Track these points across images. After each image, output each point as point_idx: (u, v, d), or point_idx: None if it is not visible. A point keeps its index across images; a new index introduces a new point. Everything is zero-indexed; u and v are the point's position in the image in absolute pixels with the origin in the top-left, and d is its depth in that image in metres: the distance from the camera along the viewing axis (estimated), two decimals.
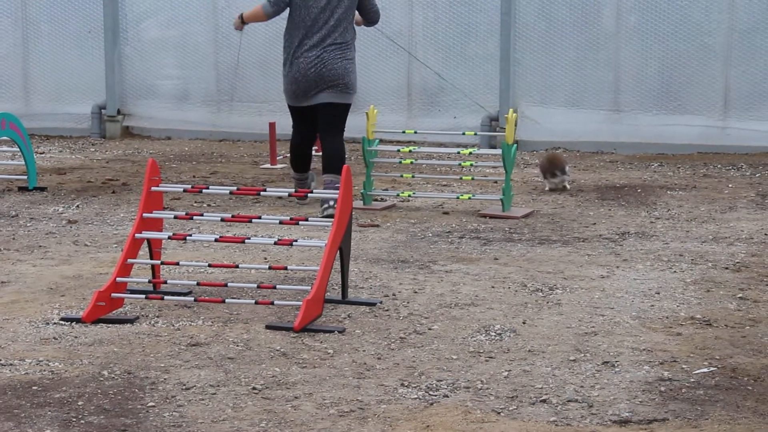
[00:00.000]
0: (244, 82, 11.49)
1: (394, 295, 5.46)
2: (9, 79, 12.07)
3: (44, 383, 4.23)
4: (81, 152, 10.68)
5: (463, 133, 8.17)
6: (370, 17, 7.73)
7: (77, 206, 7.81)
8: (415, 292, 5.51)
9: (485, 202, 7.71)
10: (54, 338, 4.78)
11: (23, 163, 8.48)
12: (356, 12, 7.63)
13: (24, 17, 12.01)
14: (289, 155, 7.88)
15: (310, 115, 7.59)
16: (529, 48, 10.69)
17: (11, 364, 4.42)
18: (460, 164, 7.91)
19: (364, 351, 4.65)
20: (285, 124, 10.65)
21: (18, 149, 8.47)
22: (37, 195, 8.23)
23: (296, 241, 5.25)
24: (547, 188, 8.39)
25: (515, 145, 7.53)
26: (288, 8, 7.65)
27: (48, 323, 4.99)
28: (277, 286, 5.17)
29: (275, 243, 5.25)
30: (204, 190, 5.38)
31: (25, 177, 8.45)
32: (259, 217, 5.33)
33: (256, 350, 4.64)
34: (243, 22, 7.91)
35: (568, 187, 8.39)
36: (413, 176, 8.18)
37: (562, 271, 5.94)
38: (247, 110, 11.39)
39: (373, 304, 5.26)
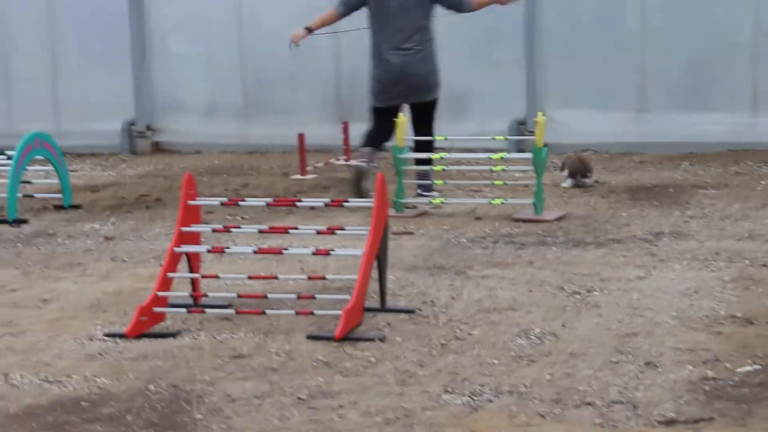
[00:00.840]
0: (273, 94, 11.56)
1: (432, 301, 5.49)
2: (40, 100, 12.18)
3: (92, 399, 4.28)
4: (112, 169, 10.76)
5: (493, 138, 8.19)
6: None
7: (113, 223, 7.88)
8: (453, 298, 5.54)
9: (518, 207, 7.73)
10: (99, 354, 4.83)
11: (58, 181, 8.56)
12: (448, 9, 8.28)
13: (52, 38, 12.12)
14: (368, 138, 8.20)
15: (393, 114, 8.02)
16: (554, 51, 10.70)
17: (59, 381, 4.47)
18: (491, 169, 7.94)
19: (405, 358, 4.68)
20: (313, 135, 10.74)
21: (52, 168, 8.55)
22: (72, 213, 8.30)
23: (333, 250, 5.29)
24: (568, 185, 8.53)
25: (546, 148, 7.54)
26: (360, 8, 8.16)
27: (92, 339, 5.05)
28: (317, 296, 5.22)
29: (313, 253, 5.29)
30: (241, 203, 5.42)
31: (60, 195, 8.53)
32: (296, 228, 5.37)
33: (298, 360, 4.68)
34: (310, 32, 8.24)
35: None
36: (444, 183, 8.21)
37: (599, 273, 5.95)
38: (276, 122, 11.45)
39: (412, 312, 5.30)
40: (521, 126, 10.60)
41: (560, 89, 10.70)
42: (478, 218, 7.58)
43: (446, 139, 8.28)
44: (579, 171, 8.51)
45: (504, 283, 5.82)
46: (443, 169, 8.15)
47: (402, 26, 8.06)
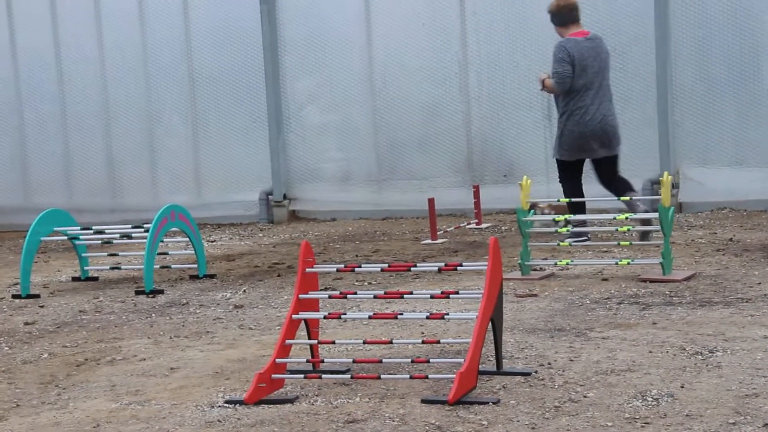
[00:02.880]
0: (404, 160, 11.69)
1: (549, 363, 5.45)
2: (182, 173, 12.59)
3: None
4: (249, 238, 11.01)
5: (618, 198, 8.12)
6: None
7: (244, 291, 8.06)
8: (571, 360, 5.48)
9: (646, 267, 7.62)
10: (218, 421, 4.93)
11: (193, 252, 8.82)
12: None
13: (193, 112, 12.54)
14: (571, 204, 8.68)
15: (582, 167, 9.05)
16: (688, 109, 10.58)
17: None
18: (617, 229, 7.86)
19: (518, 421, 4.65)
20: (444, 199, 10.80)
21: (188, 239, 8.82)
22: (207, 282, 8.53)
23: (448, 314, 5.31)
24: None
25: (672, 207, 7.43)
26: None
27: (213, 406, 5.16)
28: (431, 360, 5.23)
29: (427, 317, 5.32)
30: (356, 269, 5.50)
31: (196, 265, 8.77)
32: (411, 293, 5.41)
33: (411, 425, 4.69)
34: (543, 87, 9.04)
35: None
36: (570, 244, 8.16)
37: (723, 333, 5.82)
38: (408, 187, 11.57)
39: (528, 374, 5.26)
40: (655, 185, 10.46)
41: (695, 148, 10.56)
42: (604, 279, 7.50)
43: (570, 201, 8.23)
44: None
45: (624, 344, 5.73)
46: (568, 230, 8.10)
47: (600, 84, 8.97)
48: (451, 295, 5.35)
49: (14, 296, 8.39)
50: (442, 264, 5.38)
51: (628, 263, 7.59)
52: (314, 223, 11.73)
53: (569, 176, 8.95)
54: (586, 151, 8.87)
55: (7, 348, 6.62)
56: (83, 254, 8.95)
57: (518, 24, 11.20)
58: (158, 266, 8.55)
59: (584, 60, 8.79)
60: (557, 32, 8.98)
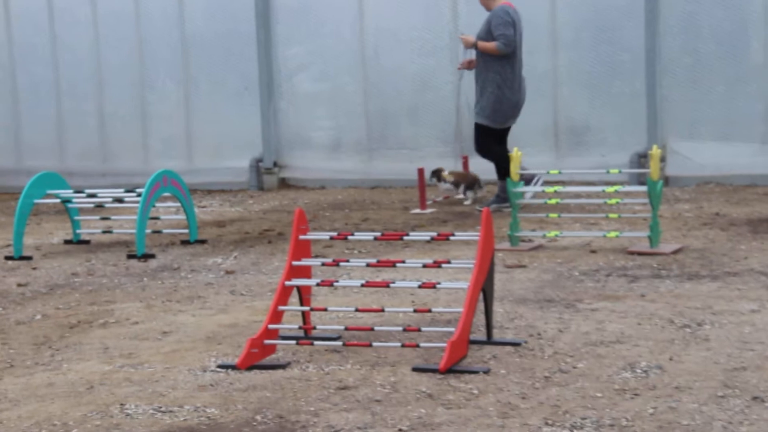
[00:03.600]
0: (394, 130, 11.72)
1: (539, 334, 5.52)
2: (173, 138, 12.60)
3: (201, 429, 4.43)
4: (240, 205, 11.05)
5: (607, 171, 8.19)
6: None
7: (235, 257, 8.10)
8: (560, 331, 5.56)
9: (633, 240, 7.69)
10: (211, 385, 4.99)
11: (185, 217, 8.86)
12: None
13: (186, 78, 12.53)
14: (502, 167, 9.21)
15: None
16: (675, 83, 10.63)
17: (171, 411, 4.64)
18: (605, 202, 7.93)
19: (508, 391, 4.72)
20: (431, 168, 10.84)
21: (180, 204, 8.85)
22: (198, 247, 8.57)
23: (440, 283, 5.37)
24: (469, 202, 9.71)
25: (661, 181, 7.50)
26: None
27: (205, 371, 5.21)
28: (422, 329, 5.30)
29: (419, 286, 5.38)
30: (349, 237, 5.55)
31: (187, 231, 8.81)
32: (403, 261, 5.46)
33: (402, 392, 4.76)
34: (474, 46, 9.29)
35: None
36: (559, 216, 8.22)
37: (711, 306, 5.90)
38: (398, 157, 11.61)
39: (518, 344, 5.33)
40: (642, 159, 10.53)
41: (682, 122, 10.61)
42: (593, 251, 7.57)
43: (560, 172, 8.28)
44: (472, 184, 9.70)
45: (613, 316, 5.81)
46: (558, 203, 8.16)
47: (521, 56, 9.35)
48: (443, 265, 5.42)
49: (7, 257, 8.42)
50: (435, 233, 5.43)
51: (617, 236, 7.66)
52: (304, 190, 11.77)
53: (498, 141, 9.44)
54: (514, 118, 9.46)
55: (0, 309, 6.66)
56: (75, 217, 8.98)
57: None
58: (149, 231, 8.59)
59: (519, 28, 9.24)
60: (485, 2, 9.31)
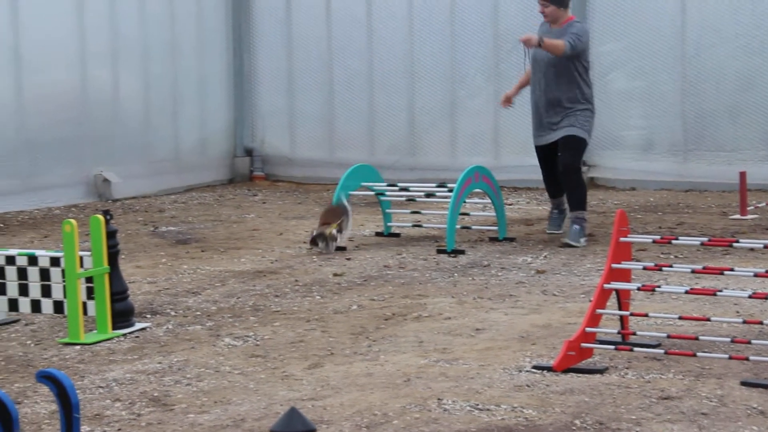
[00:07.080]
0: (713, 131, 11.26)
1: None
2: (481, 134, 12.60)
3: (519, 429, 4.34)
4: (547, 203, 10.89)
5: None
6: None
7: (545, 256, 7.98)
8: None
9: None
10: (527, 386, 4.89)
11: (494, 214, 8.81)
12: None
13: (496, 74, 12.49)
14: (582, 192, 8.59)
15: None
16: None
17: (488, 409, 4.57)
18: None
19: None
20: (755, 173, 10.34)
21: (489, 201, 8.81)
22: (506, 245, 8.50)
23: None
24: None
25: None
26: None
27: (520, 371, 5.12)
28: (752, 342, 5.00)
29: (749, 296, 5.08)
30: (673, 241, 5.31)
31: (496, 228, 8.76)
32: (732, 269, 5.17)
33: (731, 407, 4.50)
34: (539, 45, 8.42)
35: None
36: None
37: None
38: (715, 159, 11.15)
39: None
40: None
41: None
42: None
43: None
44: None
45: None
46: None
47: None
48: None
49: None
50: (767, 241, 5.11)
51: None
52: (613, 191, 11.50)
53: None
54: None
55: (319, 297, 6.82)
56: (387, 210, 9.10)
57: None
58: (458, 227, 8.59)
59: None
60: (553, 13, 8.54)
